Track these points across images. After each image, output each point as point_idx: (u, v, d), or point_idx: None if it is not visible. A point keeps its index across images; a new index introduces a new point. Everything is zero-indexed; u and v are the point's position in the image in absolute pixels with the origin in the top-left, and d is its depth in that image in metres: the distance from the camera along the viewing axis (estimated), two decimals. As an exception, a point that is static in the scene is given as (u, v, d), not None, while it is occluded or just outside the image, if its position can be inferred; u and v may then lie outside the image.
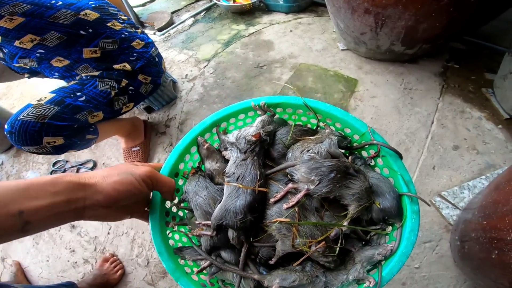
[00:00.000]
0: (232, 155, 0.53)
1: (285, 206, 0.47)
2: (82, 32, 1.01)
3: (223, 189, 0.52)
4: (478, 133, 1.23)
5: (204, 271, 0.53)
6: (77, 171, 1.42)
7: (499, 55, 1.36)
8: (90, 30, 1.03)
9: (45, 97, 0.95)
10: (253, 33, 1.91)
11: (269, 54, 1.71)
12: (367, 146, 0.55)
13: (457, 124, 1.27)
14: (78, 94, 1.01)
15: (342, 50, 1.68)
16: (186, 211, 0.60)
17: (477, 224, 0.75)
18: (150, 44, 1.21)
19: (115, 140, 1.44)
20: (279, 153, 0.56)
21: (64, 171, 1.45)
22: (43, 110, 0.91)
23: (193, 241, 0.56)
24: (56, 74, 1.10)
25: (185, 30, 2.08)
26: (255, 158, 0.51)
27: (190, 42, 1.95)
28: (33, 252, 1.28)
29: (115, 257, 1.24)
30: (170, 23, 2.16)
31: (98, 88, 1.06)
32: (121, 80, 1.11)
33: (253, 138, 0.51)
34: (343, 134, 0.58)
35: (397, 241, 0.47)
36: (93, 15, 1.04)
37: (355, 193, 0.47)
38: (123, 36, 1.11)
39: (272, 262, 0.49)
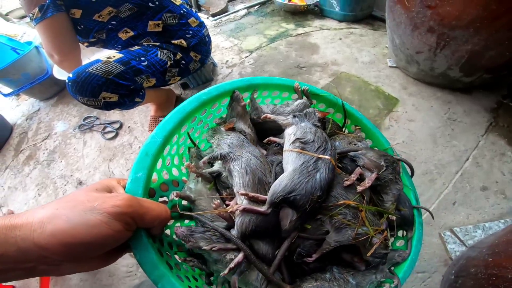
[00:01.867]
0: (298, 123, 0.47)
1: (359, 188, 0.44)
2: (150, 4, 1.11)
3: (269, 160, 0.46)
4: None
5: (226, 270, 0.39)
6: (104, 129, 1.54)
7: None
8: (157, 3, 1.12)
9: (114, 56, 1.04)
10: (301, 34, 1.93)
11: (311, 57, 1.71)
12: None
13: (493, 165, 1.18)
14: (142, 58, 1.10)
15: (390, 67, 1.63)
16: (196, 179, 0.49)
17: (481, 261, 0.74)
18: (202, 24, 1.29)
19: (145, 107, 1.55)
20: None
21: (92, 126, 1.59)
22: (111, 67, 0.99)
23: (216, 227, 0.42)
24: (119, 46, 1.21)
25: (236, 19, 2.17)
26: (326, 134, 0.47)
27: (238, 31, 2.03)
28: (32, 203, 1.37)
29: None
30: (224, 11, 2.27)
31: (159, 56, 1.15)
32: (176, 53, 1.20)
33: (321, 115, 0.50)
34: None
35: (408, 247, 0.50)
36: None
37: (399, 190, 0.49)
38: (182, 12, 1.21)
39: (311, 259, 0.43)
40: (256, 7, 2.30)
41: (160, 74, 1.16)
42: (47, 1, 0.98)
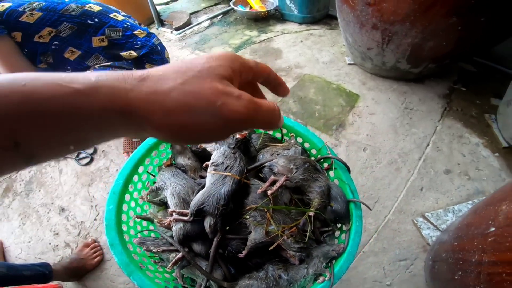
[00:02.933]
0: (218, 148, 0.59)
1: (269, 192, 0.52)
2: (89, 21, 1.15)
3: (199, 182, 0.58)
4: (473, 159, 1.26)
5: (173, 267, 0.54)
6: (78, 155, 1.55)
7: (510, 79, 1.33)
8: (96, 20, 1.17)
9: None
10: (264, 40, 2.03)
11: (275, 62, 1.81)
12: (322, 160, 0.65)
13: (453, 148, 1.30)
14: None
15: (349, 64, 1.77)
16: (152, 205, 0.65)
17: (449, 245, 0.80)
18: (152, 34, 1.33)
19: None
20: (251, 156, 0.66)
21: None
22: None
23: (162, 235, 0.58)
24: (69, 67, 1.22)
25: (201, 31, 2.23)
26: (241, 153, 0.58)
27: (203, 43, 2.09)
28: (18, 232, 1.39)
29: (96, 243, 1.29)
30: (187, 24, 2.31)
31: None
32: (131, 69, 1.23)
33: (240, 137, 0.60)
34: (303, 147, 0.68)
35: (346, 241, 0.55)
36: (96, 7, 1.19)
37: (321, 186, 0.57)
38: (125, 25, 1.24)
39: (242, 255, 0.52)
40: (219, 17, 2.37)
41: None
42: None
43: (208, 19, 2.34)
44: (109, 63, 1.19)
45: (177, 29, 2.25)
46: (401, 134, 1.37)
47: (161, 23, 2.33)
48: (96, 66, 1.20)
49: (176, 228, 0.53)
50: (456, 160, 1.26)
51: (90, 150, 1.57)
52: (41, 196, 1.51)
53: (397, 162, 1.27)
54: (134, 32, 1.25)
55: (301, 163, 0.57)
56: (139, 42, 1.25)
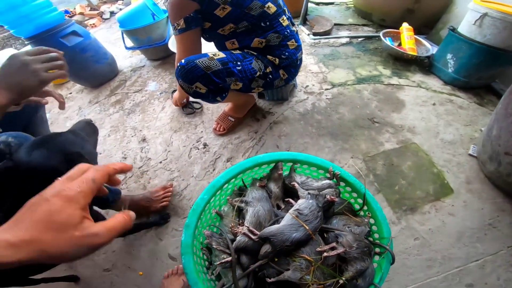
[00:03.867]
0: (308, 199, 0.71)
1: (325, 254, 0.64)
2: (262, 24, 1.24)
3: (277, 213, 0.72)
4: (502, 285, 1.13)
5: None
6: (186, 105, 1.87)
7: None
8: (268, 23, 1.25)
9: (218, 55, 1.21)
10: (393, 84, 1.92)
11: (391, 115, 1.72)
12: (377, 245, 0.74)
13: (495, 271, 1.15)
14: (238, 63, 1.24)
15: (469, 155, 1.54)
16: (229, 206, 0.80)
17: None
18: (299, 47, 1.41)
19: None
20: (327, 216, 0.76)
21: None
22: (212, 64, 1.16)
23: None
24: (220, 48, 1.42)
25: (335, 46, 2.26)
26: (322, 213, 0.70)
27: (331, 59, 2.12)
28: (99, 141, 1.57)
29: (171, 189, 1.39)
30: (327, 33, 2.37)
31: (252, 65, 1.28)
32: (268, 67, 1.33)
33: (329, 200, 0.71)
34: (371, 229, 0.75)
35: None
36: (272, 8, 1.24)
37: (362, 267, 0.66)
38: (286, 33, 1.32)
39: (270, 280, 0.64)
40: (360, 39, 2.32)
41: (248, 81, 1.30)
42: (192, 14, 1.15)
43: (348, 36, 2.33)
44: (255, 53, 1.33)
45: (315, 33, 2.35)
46: (462, 243, 1.22)
47: (304, 21, 2.49)
48: (244, 50, 1.35)
49: (240, 239, 0.67)
50: (487, 280, 1.12)
51: (198, 106, 1.87)
52: (137, 120, 1.89)
53: (435, 261, 1.17)
54: (288, 43, 1.35)
55: (363, 245, 0.67)
56: (286, 53, 1.36)
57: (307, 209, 0.67)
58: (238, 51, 1.30)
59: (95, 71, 2.19)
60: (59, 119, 2.08)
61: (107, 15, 4.39)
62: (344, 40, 2.33)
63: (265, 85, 1.40)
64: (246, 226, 0.68)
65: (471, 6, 1.81)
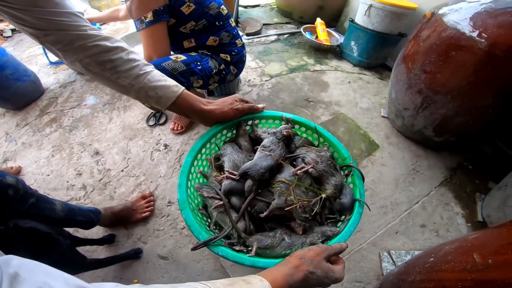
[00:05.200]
0: (269, 137, 0.85)
1: (299, 172, 0.74)
2: (217, 23, 1.37)
3: (250, 157, 0.84)
4: (448, 223, 1.50)
5: (213, 210, 0.75)
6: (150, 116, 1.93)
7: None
8: (221, 23, 1.39)
9: (180, 58, 1.30)
10: (317, 70, 2.36)
11: (320, 94, 2.13)
12: (345, 167, 0.89)
13: (436, 211, 1.54)
14: (198, 63, 1.36)
15: (382, 116, 2.05)
16: (211, 167, 0.89)
17: (396, 271, 1.05)
18: (244, 45, 1.60)
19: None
20: (290, 150, 0.90)
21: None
22: (177, 66, 1.26)
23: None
24: (179, 50, 1.50)
25: (266, 43, 2.62)
26: (283, 144, 0.84)
27: (265, 55, 2.46)
28: (42, 162, 1.56)
29: (152, 198, 1.40)
30: (258, 33, 2.70)
31: (209, 64, 1.41)
32: (221, 64, 1.48)
33: (285, 134, 0.84)
34: (332, 154, 0.91)
35: (342, 227, 0.72)
36: (225, 10, 1.41)
37: (336, 181, 0.77)
38: (234, 33, 1.48)
39: (263, 215, 0.71)
40: (285, 36, 2.74)
41: (206, 78, 1.43)
42: (161, 8, 1.19)
43: (276, 34, 2.71)
44: (209, 53, 1.46)
45: (247, 34, 2.66)
46: (399, 188, 1.63)
47: (236, 23, 2.82)
48: (199, 51, 1.47)
49: (225, 183, 0.77)
50: (434, 219, 1.51)
51: (163, 119, 1.90)
52: (83, 135, 1.81)
53: (387, 207, 1.54)
54: (236, 41, 1.52)
55: (325, 160, 0.80)
56: (236, 50, 1.53)
57: (269, 142, 0.81)
58: (194, 53, 1.41)
59: (17, 91, 1.98)
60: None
61: (8, 33, 3.96)
62: (273, 38, 2.72)
63: (219, 80, 1.56)
64: (226, 170, 0.79)
65: (361, -1, 2.26)
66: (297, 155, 0.86)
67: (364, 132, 1.94)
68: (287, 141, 0.86)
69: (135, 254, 1.22)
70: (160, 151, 1.71)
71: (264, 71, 2.32)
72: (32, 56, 3.03)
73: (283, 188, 0.73)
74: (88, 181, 1.53)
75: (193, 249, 0.64)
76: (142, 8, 1.19)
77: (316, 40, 2.61)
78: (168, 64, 1.26)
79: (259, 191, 0.76)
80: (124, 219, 1.28)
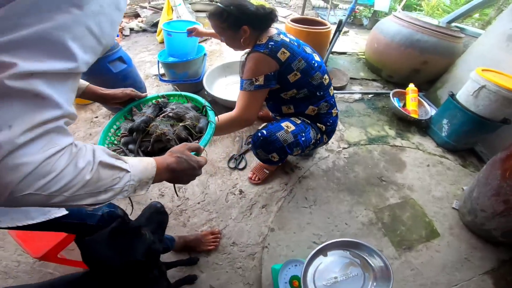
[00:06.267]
0: (148, 108, 1.10)
1: (162, 116, 1.06)
2: (317, 93, 1.39)
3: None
4: None
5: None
6: None
7: None
8: (322, 93, 1.41)
9: (290, 127, 1.36)
10: (397, 146, 2.39)
11: (395, 174, 2.19)
12: (204, 109, 1.12)
13: None
14: (303, 134, 1.39)
15: (453, 208, 2.05)
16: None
17: None
18: (338, 114, 1.61)
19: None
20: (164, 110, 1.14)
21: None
22: (287, 137, 1.33)
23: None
24: (277, 113, 1.61)
25: (349, 102, 2.69)
26: (157, 108, 1.11)
27: (346, 116, 2.56)
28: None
29: (220, 235, 1.54)
30: (343, 88, 2.77)
31: (310, 134, 1.44)
32: (318, 134, 1.49)
33: (155, 102, 1.13)
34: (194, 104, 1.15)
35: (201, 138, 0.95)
36: (326, 80, 1.40)
37: (190, 115, 1.04)
38: (332, 102, 1.49)
39: (149, 149, 0.97)
40: (370, 96, 2.78)
41: (305, 148, 1.44)
42: (272, 73, 1.24)
43: (361, 92, 2.76)
44: (309, 121, 1.53)
45: (333, 88, 2.87)
46: (445, 272, 1.69)
47: (323, 74, 2.97)
48: (300, 117, 1.52)
49: (122, 140, 1.03)
50: None
51: (243, 165, 2.17)
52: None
53: (426, 286, 1.63)
54: (332, 111, 1.52)
55: (183, 106, 1.08)
56: (331, 121, 1.53)
57: (145, 108, 1.13)
58: (299, 121, 1.44)
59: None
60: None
61: (126, 32, 4.47)
62: (357, 96, 2.78)
63: (312, 149, 1.64)
64: (122, 133, 1.08)
65: (472, 76, 2.05)
66: (164, 110, 1.14)
67: (429, 221, 2.00)
68: (160, 106, 1.15)
69: (190, 280, 1.40)
70: (235, 195, 1.88)
71: (343, 136, 2.46)
72: (142, 62, 3.56)
73: (158, 129, 1.03)
74: (168, 204, 1.73)
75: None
76: (256, 71, 1.24)
77: (403, 110, 2.56)
78: (281, 135, 1.35)
79: (143, 137, 1.04)
80: (192, 248, 1.46)
